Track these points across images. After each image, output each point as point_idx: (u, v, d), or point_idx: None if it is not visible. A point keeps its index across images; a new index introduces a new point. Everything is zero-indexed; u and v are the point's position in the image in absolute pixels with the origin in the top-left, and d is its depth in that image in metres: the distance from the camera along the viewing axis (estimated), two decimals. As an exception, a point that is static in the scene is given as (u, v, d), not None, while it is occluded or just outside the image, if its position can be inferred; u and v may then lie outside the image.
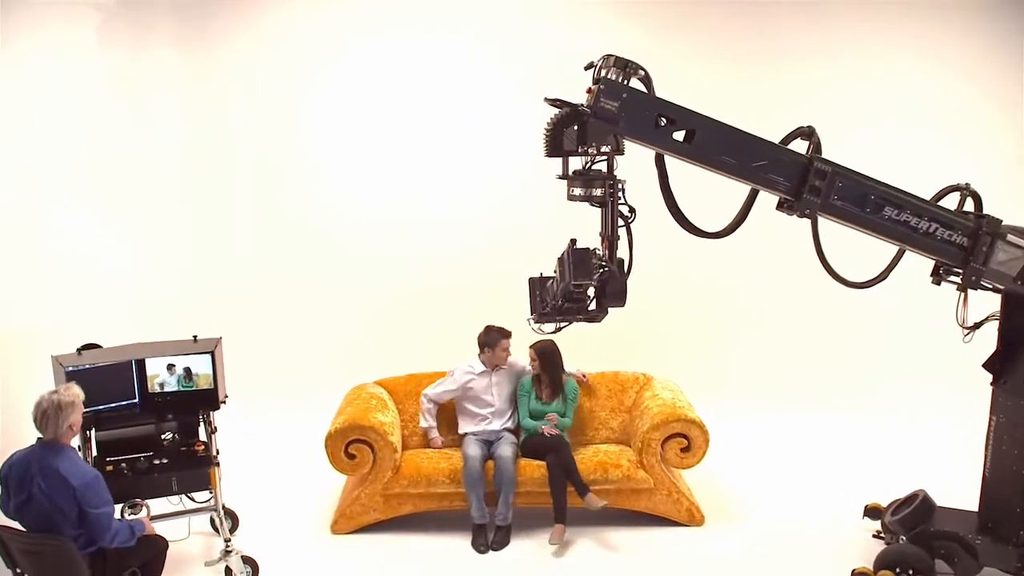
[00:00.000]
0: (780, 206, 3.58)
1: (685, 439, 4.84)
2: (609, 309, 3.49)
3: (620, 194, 3.32)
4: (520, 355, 5.25)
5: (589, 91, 3.20)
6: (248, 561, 4.37)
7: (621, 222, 3.44)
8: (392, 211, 7.27)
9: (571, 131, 3.16)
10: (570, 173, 3.37)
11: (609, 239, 3.28)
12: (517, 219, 7.06)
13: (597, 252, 3.32)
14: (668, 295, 6.88)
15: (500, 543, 4.72)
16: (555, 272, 3.64)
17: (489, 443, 4.99)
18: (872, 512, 4.80)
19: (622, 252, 3.55)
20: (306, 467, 5.60)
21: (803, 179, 3.41)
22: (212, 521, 4.79)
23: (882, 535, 4.58)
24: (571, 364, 5.26)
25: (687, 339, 7.28)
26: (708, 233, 3.60)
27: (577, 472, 4.73)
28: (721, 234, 3.62)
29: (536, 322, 3.61)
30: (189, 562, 4.50)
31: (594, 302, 3.51)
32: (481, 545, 4.70)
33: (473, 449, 4.83)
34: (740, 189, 3.77)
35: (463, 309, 6.48)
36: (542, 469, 4.75)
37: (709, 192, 3.97)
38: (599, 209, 3.46)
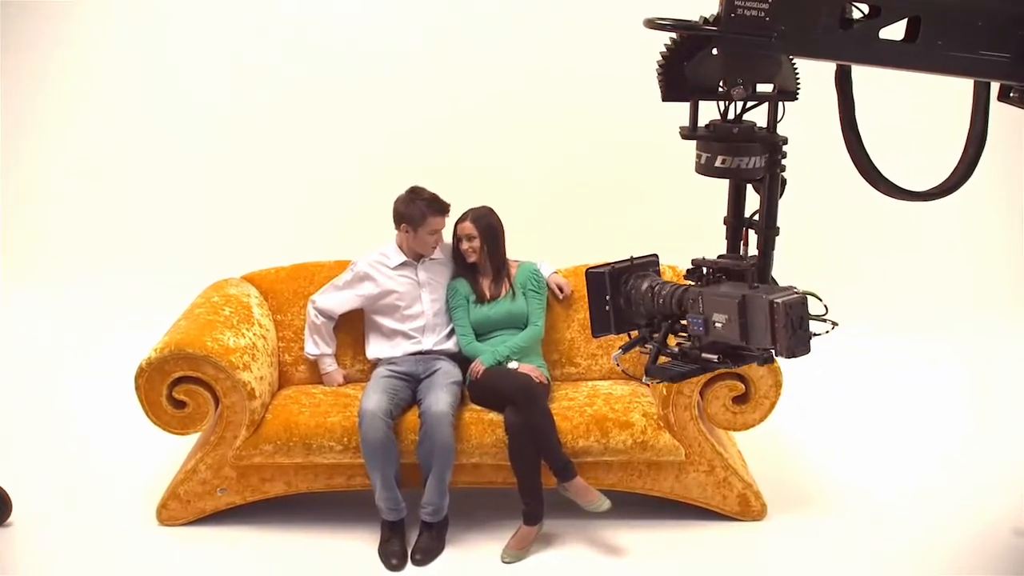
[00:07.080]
0: (1003, 95, 2.17)
1: (740, 382, 2.95)
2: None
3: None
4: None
5: None
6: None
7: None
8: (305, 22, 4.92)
9: (703, 60, 1.80)
10: (701, 129, 1.84)
11: (765, 232, 1.87)
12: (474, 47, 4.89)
13: (813, 298, 1.83)
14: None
15: (427, 552, 2.84)
16: (644, 265, 1.92)
17: (415, 380, 3.07)
18: (1047, 506, 2.98)
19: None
20: (126, 421, 3.64)
21: None
22: None
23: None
24: (548, 260, 3.42)
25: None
26: (918, 194, 2.07)
27: (556, 439, 2.83)
28: (941, 192, 2.09)
29: (648, 376, 1.85)
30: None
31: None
32: (394, 557, 2.81)
33: (374, 398, 2.88)
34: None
35: (390, 174, 4.28)
36: (500, 428, 2.87)
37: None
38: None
